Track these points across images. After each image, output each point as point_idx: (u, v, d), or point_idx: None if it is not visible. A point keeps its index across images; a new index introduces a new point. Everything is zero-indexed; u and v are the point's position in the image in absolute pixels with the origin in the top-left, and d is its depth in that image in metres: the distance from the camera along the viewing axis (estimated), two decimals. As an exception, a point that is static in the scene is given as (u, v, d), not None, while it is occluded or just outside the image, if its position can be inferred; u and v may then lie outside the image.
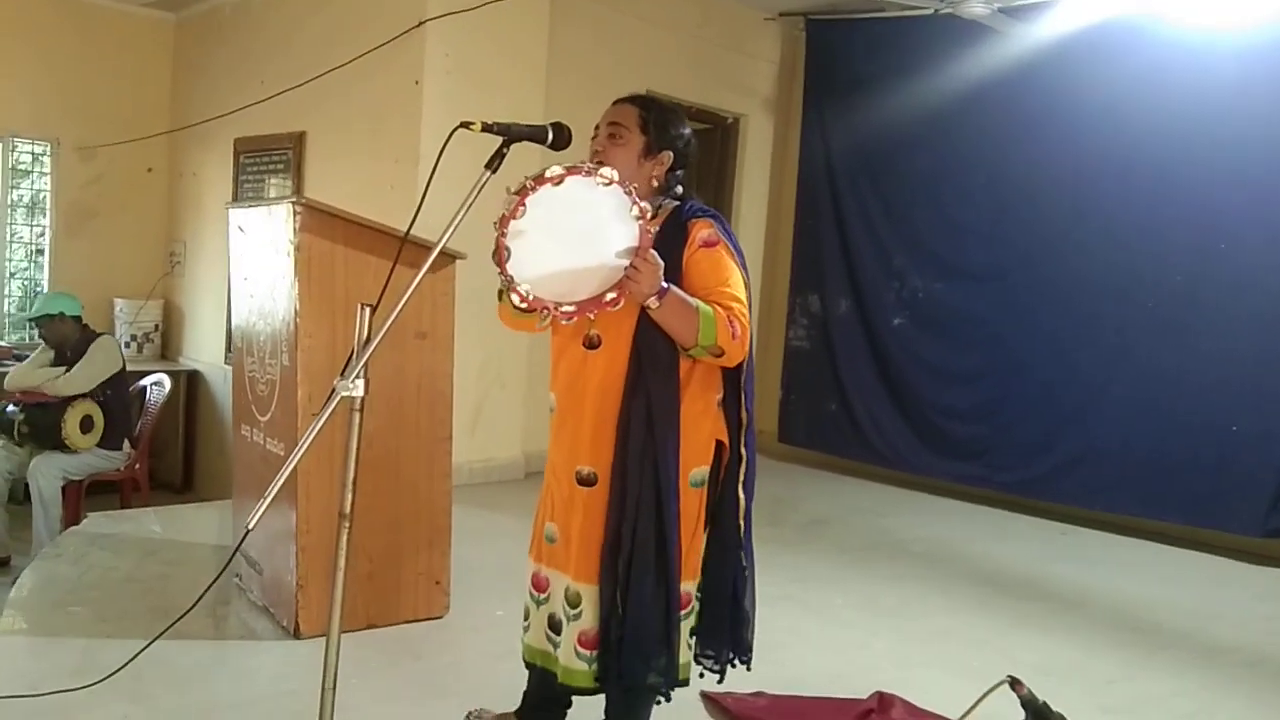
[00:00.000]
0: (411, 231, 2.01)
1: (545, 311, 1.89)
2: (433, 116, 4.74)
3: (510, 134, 1.93)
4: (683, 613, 2.09)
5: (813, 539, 4.71)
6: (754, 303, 2.09)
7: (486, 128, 1.93)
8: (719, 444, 2.12)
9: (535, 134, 1.96)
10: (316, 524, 2.93)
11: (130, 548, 3.76)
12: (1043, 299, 5.24)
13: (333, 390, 1.88)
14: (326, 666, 1.95)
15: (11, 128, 6.19)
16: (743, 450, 2.12)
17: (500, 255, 1.84)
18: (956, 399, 5.66)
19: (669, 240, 2.02)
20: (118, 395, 4.81)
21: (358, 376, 1.89)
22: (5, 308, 6.37)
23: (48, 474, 4.40)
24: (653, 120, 2.10)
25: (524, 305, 1.88)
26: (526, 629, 2.23)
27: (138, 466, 5.07)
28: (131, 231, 6.69)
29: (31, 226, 6.45)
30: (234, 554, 2.08)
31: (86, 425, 4.63)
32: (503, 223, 1.84)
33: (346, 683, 2.68)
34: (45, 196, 6.42)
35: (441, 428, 3.11)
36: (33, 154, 6.37)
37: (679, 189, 2.18)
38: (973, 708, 2.27)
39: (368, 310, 1.97)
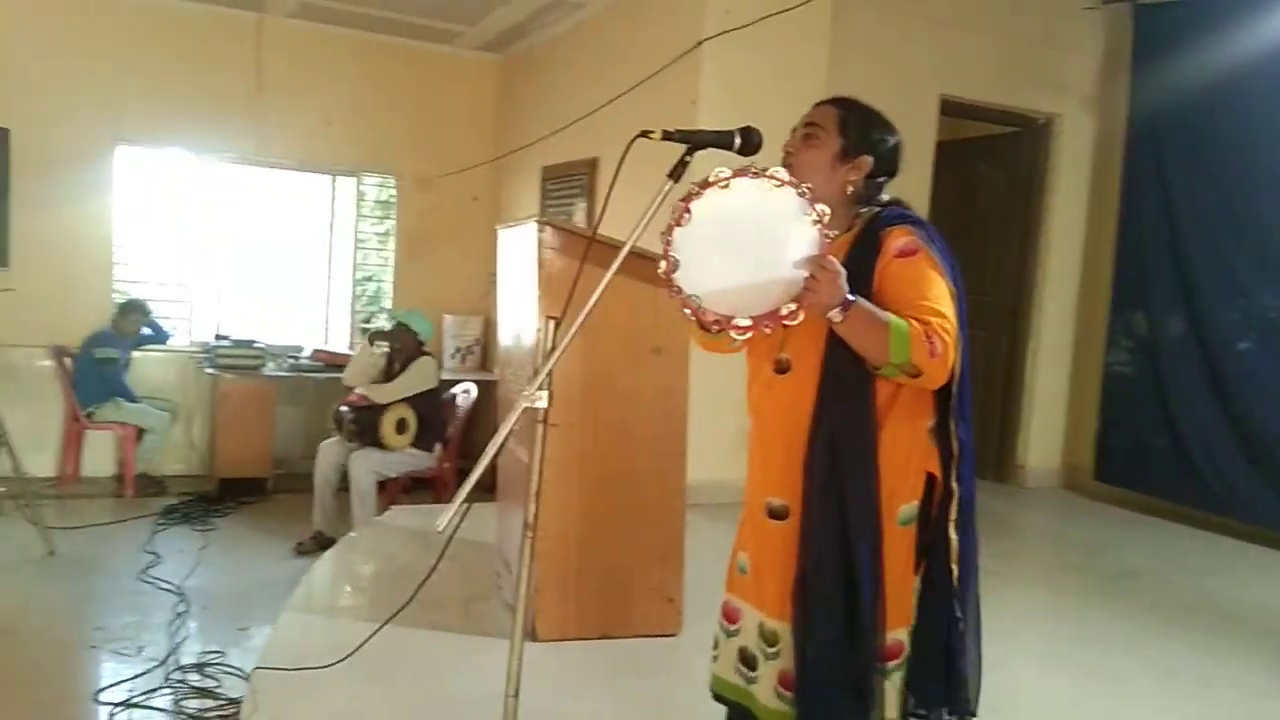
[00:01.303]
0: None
1: (717, 326, 1.78)
2: (707, 135, 4.77)
3: (693, 141, 1.87)
4: (893, 664, 1.89)
5: (1119, 593, 4.13)
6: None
7: (667, 135, 1.88)
8: (931, 478, 1.89)
9: (721, 140, 1.88)
10: (554, 532, 3.02)
11: (418, 540, 4.12)
12: None
13: (518, 401, 1.91)
14: (509, 674, 1.98)
15: (363, 165, 7.11)
16: (954, 485, 1.87)
17: (667, 267, 1.77)
18: (1321, 439, 4.72)
19: (862, 251, 1.85)
20: (431, 404, 5.35)
21: (540, 387, 1.90)
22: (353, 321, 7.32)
23: (362, 468, 4.97)
24: (853, 122, 1.92)
25: (694, 319, 1.79)
26: (715, 659, 2.13)
27: (447, 466, 5.59)
28: (459, 254, 7.41)
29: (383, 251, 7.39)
30: (439, 559, 2.19)
31: (401, 427, 5.17)
32: (667, 231, 1.76)
33: (566, 690, 2.75)
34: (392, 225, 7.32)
35: (675, 444, 3.09)
36: (382, 187, 7.27)
37: (884, 196, 1.98)
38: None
39: (552, 323, 1.99)
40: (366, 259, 7.35)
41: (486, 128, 7.41)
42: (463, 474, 5.99)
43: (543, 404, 1.91)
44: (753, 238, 1.75)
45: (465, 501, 1.85)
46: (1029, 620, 3.80)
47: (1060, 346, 6.16)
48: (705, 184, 1.74)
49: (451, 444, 5.63)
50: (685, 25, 4.94)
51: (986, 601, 3.78)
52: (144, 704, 3.26)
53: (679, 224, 1.75)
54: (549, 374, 1.90)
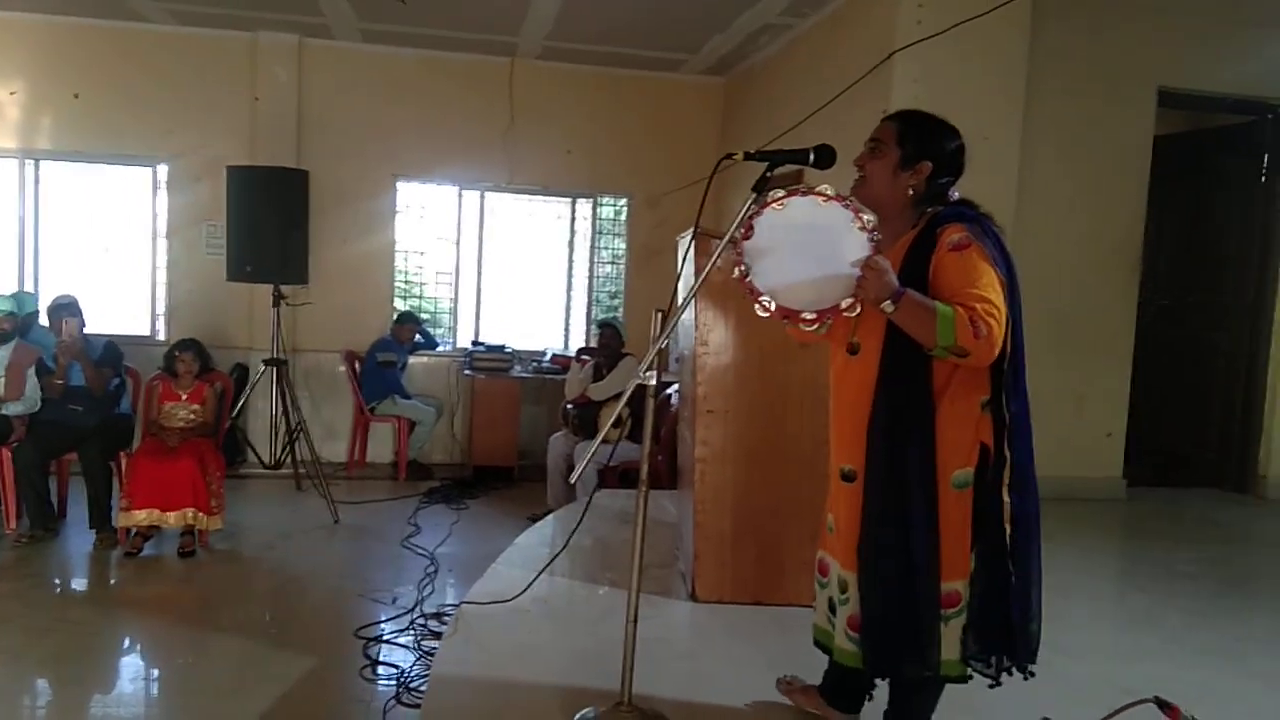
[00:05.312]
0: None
1: (786, 321, 2.11)
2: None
3: (772, 159, 2.22)
4: (950, 611, 2.12)
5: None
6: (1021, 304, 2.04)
7: (749, 156, 2.25)
8: (985, 448, 2.10)
9: (796, 157, 2.22)
10: (711, 506, 3.41)
11: (614, 518, 4.65)
12: None
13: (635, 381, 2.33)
14: (629, 605, 2.42)
15: (600, 186, 7.83)
16: (1007, 452, 2.08)
17: (740, 271, 2.12)
18: None
19: (920, 245, 2.10)
20: (639, 401, 5.89)
21: (649, 368, 2.32)
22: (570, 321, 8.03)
23: (584, 457, 5.58)
24: (910, 134, 2.18)
25: (766, 315, 2.13)
26: (815, 609, 2.43)
27: (660, 459, 6.09)
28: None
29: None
30: (581, 519, 2.64)
31: (616, 421, 5.74)
32: (736, 244, 2.12)
33: (713, 639, 3.13)
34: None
35: (822, 432, 3.34)
36: (615, 207, 7.97)
37: (954, 194, 2.21)
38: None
39: (660, 314, 2.41)
40: (605, 274, 8.05)
41: (710, 146, 7.88)
42: (673, 467, 6.49)
43: (652, 381, 2.32)
44: (811, 244, 2.08)
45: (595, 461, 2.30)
46: (1205, 617, 3.69)
47: (1311, 349, 5.68)
48: (764, 204, 2.08)
49: (664, 439, 6.12)
50: (879, 37, 5.14)
51: (1167, 599, 3.83)
52: (391, 640, 3.99)
53: (746, 238, 2.11)
54: (657, 356, 2.32)
